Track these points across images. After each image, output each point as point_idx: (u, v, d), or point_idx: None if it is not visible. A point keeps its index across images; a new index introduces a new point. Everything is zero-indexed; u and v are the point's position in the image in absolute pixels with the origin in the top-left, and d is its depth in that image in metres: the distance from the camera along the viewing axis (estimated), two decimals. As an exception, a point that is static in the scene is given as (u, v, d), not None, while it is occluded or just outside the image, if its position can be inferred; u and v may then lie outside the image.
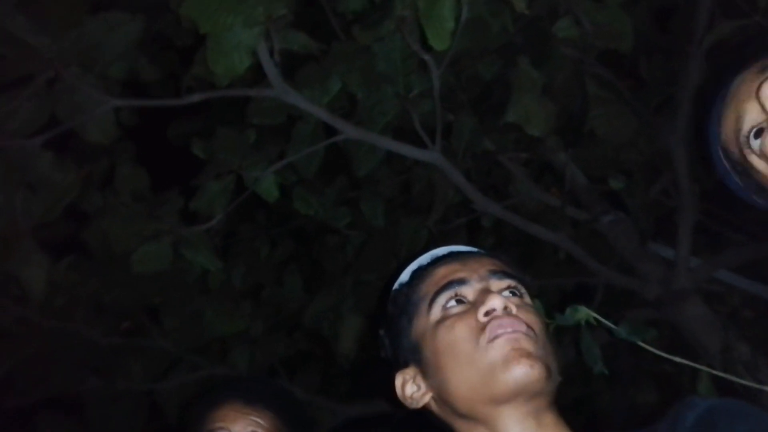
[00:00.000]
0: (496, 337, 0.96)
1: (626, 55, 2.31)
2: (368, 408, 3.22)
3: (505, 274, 1.05)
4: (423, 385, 1.03)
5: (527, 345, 0.96)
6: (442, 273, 1.06)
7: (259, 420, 1.31)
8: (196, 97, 2.25)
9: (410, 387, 1.05)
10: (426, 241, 2.76)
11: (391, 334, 1.09)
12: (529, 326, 0.98)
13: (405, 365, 1.06)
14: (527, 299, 1.05)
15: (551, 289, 2.91)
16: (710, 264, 2.91)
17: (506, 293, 1.03)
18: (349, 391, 3.39)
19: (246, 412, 1.31)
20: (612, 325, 1.47)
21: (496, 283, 1.04)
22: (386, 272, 2.79)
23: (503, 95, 2.23)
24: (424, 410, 1.05)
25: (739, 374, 1.94)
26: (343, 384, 3.39)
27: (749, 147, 0.90)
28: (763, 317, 2.93)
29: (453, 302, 1.03)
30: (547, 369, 0.95)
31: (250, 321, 2.93)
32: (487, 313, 0.98)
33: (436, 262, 1.08)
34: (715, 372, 1.71)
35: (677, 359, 1.55)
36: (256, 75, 2.26)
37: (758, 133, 0.88)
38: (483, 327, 0.97)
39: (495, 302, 0.98)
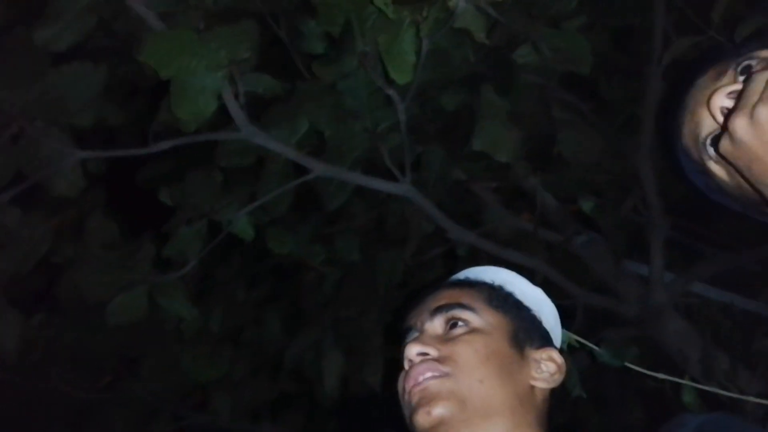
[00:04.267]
0: (409, 394, 1.02)
1: (587, 78, 2.35)
2: (355, 446, 3.18)
3: (445, 308, 1.09)
4: None
5: (434, 388, 1.00)
6: (404, 328, 1.12)
7: None
8: (163, 145, 2.23)
9: None
10: (403, 274, 2.75)
11: None
12: (446, 362, 1.02)
13: None
14: (475, 322, 1.07)
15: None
16: (684, 278, 2.94)
17: (441, 329, 1.08)
18: (335, 430, 3.34)
19: None
20: (594, 347, 1.47)
21: (436, 322, 1.09)
22: (364, 307, 2.79)
23: (469, 124, 2.25)
24: None
25: (720, 384, 1.95)
26: (328, 424, 3.35)
27: (707, 153, 0.92)
28: (739, 326, 2.95)
29: None
30: (458, 401, 0.99)
31: (230, 365, 2.88)
32: (409, 363, 1.04)
33: (409, 311, 1.14)
34: (698, 385, 1.72)
35: (661, 376, 1.55)
36: (223, 117, 2.26)
37: (714, 141, 0.90)
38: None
39: (409, 353, 1.04)
